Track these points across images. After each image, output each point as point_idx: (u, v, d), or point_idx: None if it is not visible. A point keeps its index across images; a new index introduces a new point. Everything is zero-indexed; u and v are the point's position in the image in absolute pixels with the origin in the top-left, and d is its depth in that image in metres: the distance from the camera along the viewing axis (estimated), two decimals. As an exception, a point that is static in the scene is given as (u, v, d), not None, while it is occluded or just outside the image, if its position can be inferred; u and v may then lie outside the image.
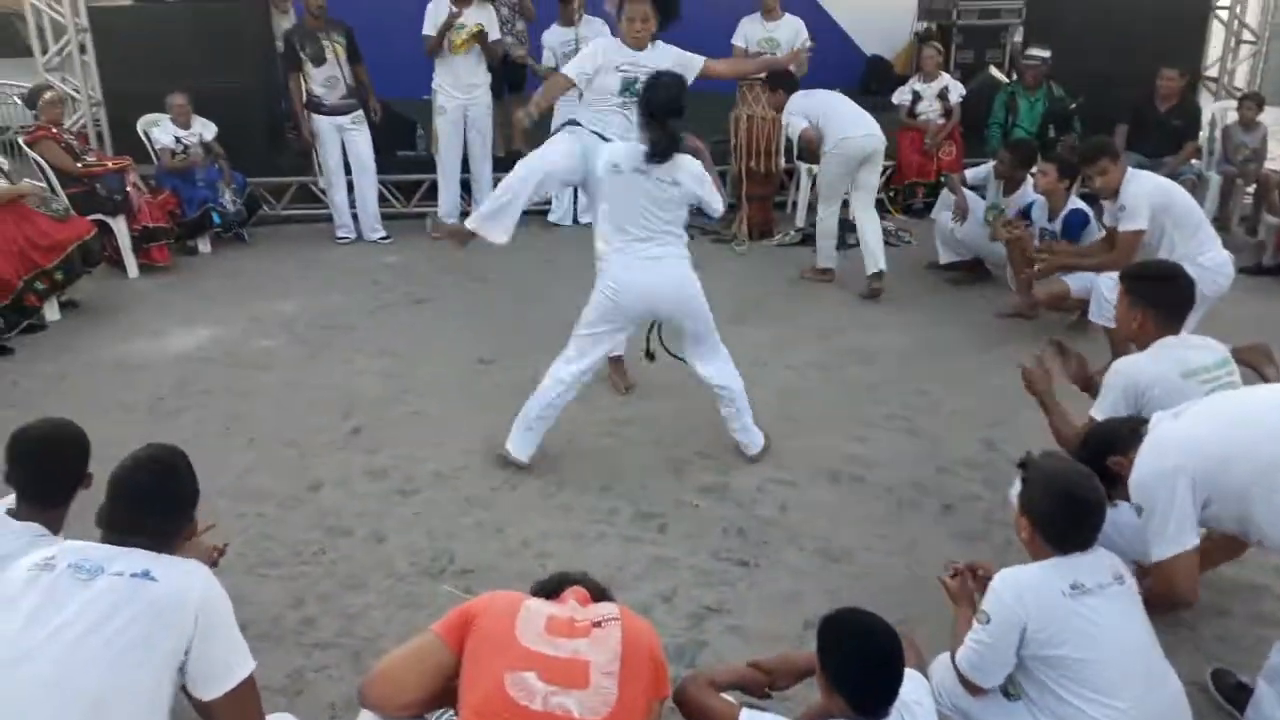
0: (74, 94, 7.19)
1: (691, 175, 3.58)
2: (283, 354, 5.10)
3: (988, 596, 2.21)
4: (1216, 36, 8.44)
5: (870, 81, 9.93)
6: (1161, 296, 3.00)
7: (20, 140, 6.37)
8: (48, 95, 6.28)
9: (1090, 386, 3.23)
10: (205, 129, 6.84)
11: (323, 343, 5.23)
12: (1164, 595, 2.41)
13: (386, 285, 6.17)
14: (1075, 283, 4.98)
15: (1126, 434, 2.49)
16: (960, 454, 4.01)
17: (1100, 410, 2.94)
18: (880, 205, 7.59)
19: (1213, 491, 2.33)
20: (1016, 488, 2.39)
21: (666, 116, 3.48)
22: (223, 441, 4.11)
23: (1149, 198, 4.44)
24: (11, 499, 2.39)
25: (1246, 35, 8.41)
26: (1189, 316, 3.14)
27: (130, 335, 5.37)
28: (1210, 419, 2.44)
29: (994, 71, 8.65)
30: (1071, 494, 2.21)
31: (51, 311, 5.55)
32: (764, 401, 4.43)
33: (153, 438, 2.26)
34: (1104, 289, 4.38)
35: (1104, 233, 4.95)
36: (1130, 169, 4.62)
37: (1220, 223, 6.59)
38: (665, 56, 4.15)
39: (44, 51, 6.97)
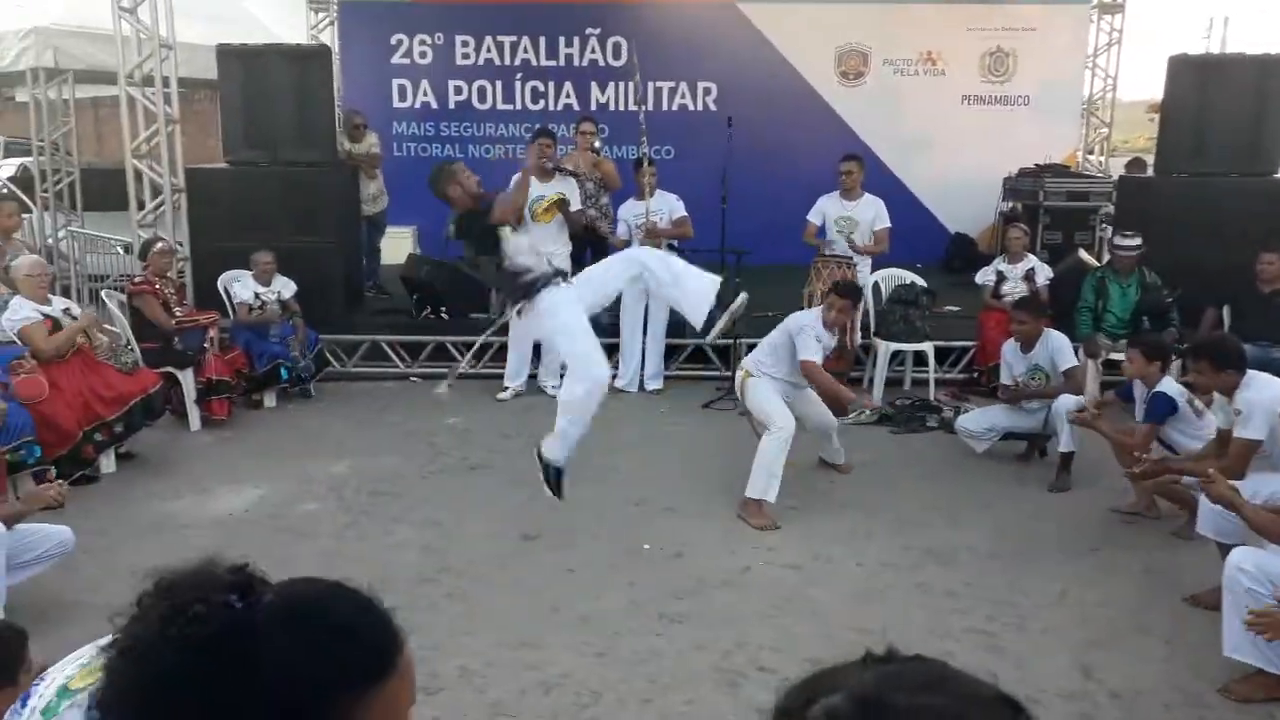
0: (168, 248, 7.41)
1: None
2: (325, 520, 4.90)
3: None
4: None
5: (953, 260, 9.80)
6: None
7: (125, 290, 6.54)
8: (158, 246, 6.47)
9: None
10: (285, 287, 6.95)
11: (367, 509, 5.03)
12: None
13: (443, 449, 6.00)
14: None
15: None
16: (1052, 682, 3.52)
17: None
18: (964, 385, 7.30)
19: None
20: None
21: None
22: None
23: (1269, 406, 4.04)
24: None
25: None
26: None
27: (178, 493, 5.25)
28: None
29: (1083, 254, 8.37)
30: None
31: (108, 463, 5.49)
32: (829, 605, 4.04)
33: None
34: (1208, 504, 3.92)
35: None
36: (1250, 372, 4.20)
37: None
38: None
39: (140, 208, 7.26)
